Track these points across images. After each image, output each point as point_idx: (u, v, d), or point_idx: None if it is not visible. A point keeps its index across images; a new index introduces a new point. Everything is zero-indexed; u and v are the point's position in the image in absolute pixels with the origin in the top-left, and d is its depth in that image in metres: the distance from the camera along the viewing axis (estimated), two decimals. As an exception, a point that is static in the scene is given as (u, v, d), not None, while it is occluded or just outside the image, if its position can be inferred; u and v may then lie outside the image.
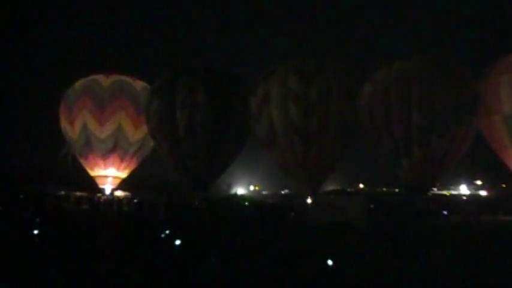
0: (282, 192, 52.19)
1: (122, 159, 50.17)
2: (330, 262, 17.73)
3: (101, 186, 51.34)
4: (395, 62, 38.96)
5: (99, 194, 51.81)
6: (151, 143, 47.28)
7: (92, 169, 50.85)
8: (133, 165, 51.61)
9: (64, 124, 50.48)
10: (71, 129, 49.67)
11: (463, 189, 67.71)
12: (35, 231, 22.07)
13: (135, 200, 49.62)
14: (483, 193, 64.29)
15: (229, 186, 53.19)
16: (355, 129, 40.34)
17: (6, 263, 16.83)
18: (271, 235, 24.56)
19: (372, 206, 42.49)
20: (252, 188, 54.89)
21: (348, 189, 49.38)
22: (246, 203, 42.51)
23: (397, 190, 46.80)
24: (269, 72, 41.23)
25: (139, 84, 50.70)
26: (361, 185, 54.88)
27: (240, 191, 54.03)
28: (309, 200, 41.72)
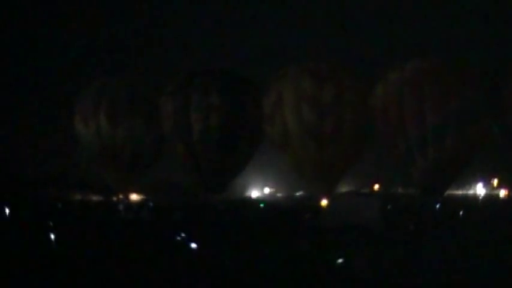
0: (297, 194, 52.03)
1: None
2: (340, 260, 17.76)
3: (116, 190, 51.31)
4: (409, 62, 38.83)
5: (114, 198, 51.81)
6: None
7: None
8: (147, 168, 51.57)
9: (79, 125, 50.24)
10: (86, 130, 49.52)
11: (479, 189, 67.10)
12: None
13: (151, 204, 49.69)
14: (501, 193, 63.63)
15: (244, 189, 53.11)
16: (369, 130, 40.26)
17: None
18: (286, 237, 24.54)
19: (387, 207, 42.29)
20: (266, 190, 54.74)
21: (363, 191, 49.21)
22: (261, 205, 42.47)
23: (412, 191, 46.58)
24: (282, 74, 41.29)
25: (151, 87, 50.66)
26: (376, 186, 54.68)
27: (255, 193, 53.93)
28: (323, 202, 41.62)
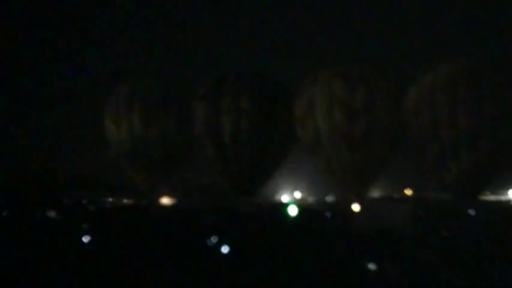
0: (327, 198, 51.85)
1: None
2: (372, 266, 17.62)
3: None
4: (441, 65, 38.44)
5: (144, 201, 52.16)
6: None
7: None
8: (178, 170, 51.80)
9: (110, 126, 50.49)
10: (118, 131, 49.79)
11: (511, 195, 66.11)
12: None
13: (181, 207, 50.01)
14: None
15: (274, 193, 53.11)
16: (401, 133, 39.94)
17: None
18: (317, 242, 24.46)
19: (420, 212, 41.91)
20: (297, 194, 54.67)
21: (395, 195, 48.71)
22: (291, 209, 42.41)
23: (444, 196, 46.04)
24: (313, 78, 41.20)
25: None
26: (408, 191, 54.07)
27: (285, 197, 53.91)
28: (355, 207, 41.42)
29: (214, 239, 23.17)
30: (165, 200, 54.76)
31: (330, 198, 53.13)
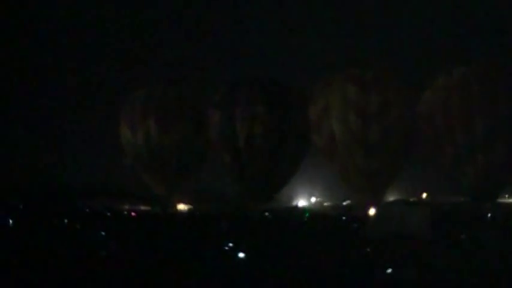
0: (344, 203, 51.65)
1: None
2: (389, 270, 17.57)
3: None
4: (455, 68, 38.31)
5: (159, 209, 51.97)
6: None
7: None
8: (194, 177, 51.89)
9: (126, 133, 50.60)
10: (134, 138, 49.93)
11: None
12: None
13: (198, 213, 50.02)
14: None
15: (290, 198, 53.02)
16: (416, 137, 39.81)
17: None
18: (332, 246, 24.39)
19: (436, 216, 41.58)
20: (313, 199, 54.54)
21: (411, 199, 48.49)
22: (307, 215, 42.36)
23: (461, 199, 45.75)
24: (327, 82, 41.21)
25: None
26: (424, 194, 53.75)
27: (301, 202, 53.79)
28: (371, 211, 41.22)
29: (230, 245, 23.19)
30: (181, 206, 54.82)
31: (346, 203, 52.98)
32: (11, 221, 32.02)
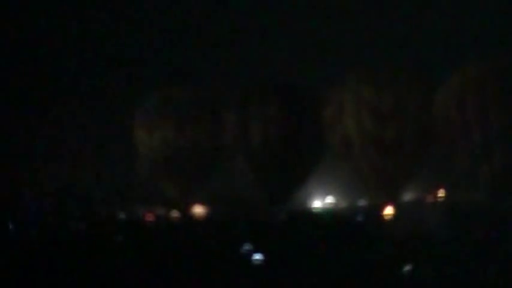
0: (360, 203, 51.49)
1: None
2: (407, 268, 17.58)
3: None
4: (469, 65, 38.16)
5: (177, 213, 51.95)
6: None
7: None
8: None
9: (142, 135, 50.69)
10: (150, 140, 50.04)
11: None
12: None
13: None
14: None
15: (306, 199, 52.96)
16: (431, 136, 39.66)
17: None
18: (349, 246, 24.41)
19: (453, 215, 41.39)
20: (329, 199, 54.42)
21: (427, 198, 48.22)
22: (323, 216, 42.38)
23: (478, 197, 45.44)
24: (341, 82, 41.22)
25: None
26: (441, 193, 53.31)
27: (317, 203, 53.69)
28: (387, 211, 41.16)
29: (247, 247, 23.29)
30: (197, 209, 54.86)
31: (362, 203, 52.78)
32: (10, 226, 32.29)
